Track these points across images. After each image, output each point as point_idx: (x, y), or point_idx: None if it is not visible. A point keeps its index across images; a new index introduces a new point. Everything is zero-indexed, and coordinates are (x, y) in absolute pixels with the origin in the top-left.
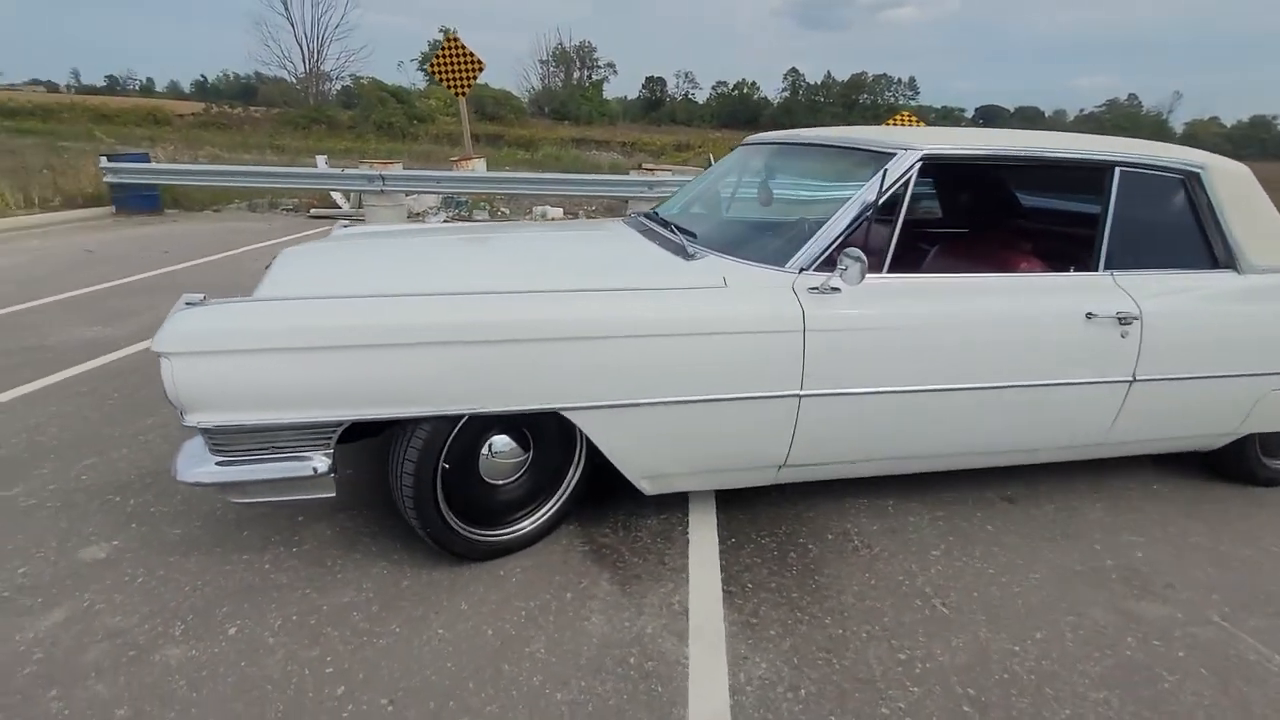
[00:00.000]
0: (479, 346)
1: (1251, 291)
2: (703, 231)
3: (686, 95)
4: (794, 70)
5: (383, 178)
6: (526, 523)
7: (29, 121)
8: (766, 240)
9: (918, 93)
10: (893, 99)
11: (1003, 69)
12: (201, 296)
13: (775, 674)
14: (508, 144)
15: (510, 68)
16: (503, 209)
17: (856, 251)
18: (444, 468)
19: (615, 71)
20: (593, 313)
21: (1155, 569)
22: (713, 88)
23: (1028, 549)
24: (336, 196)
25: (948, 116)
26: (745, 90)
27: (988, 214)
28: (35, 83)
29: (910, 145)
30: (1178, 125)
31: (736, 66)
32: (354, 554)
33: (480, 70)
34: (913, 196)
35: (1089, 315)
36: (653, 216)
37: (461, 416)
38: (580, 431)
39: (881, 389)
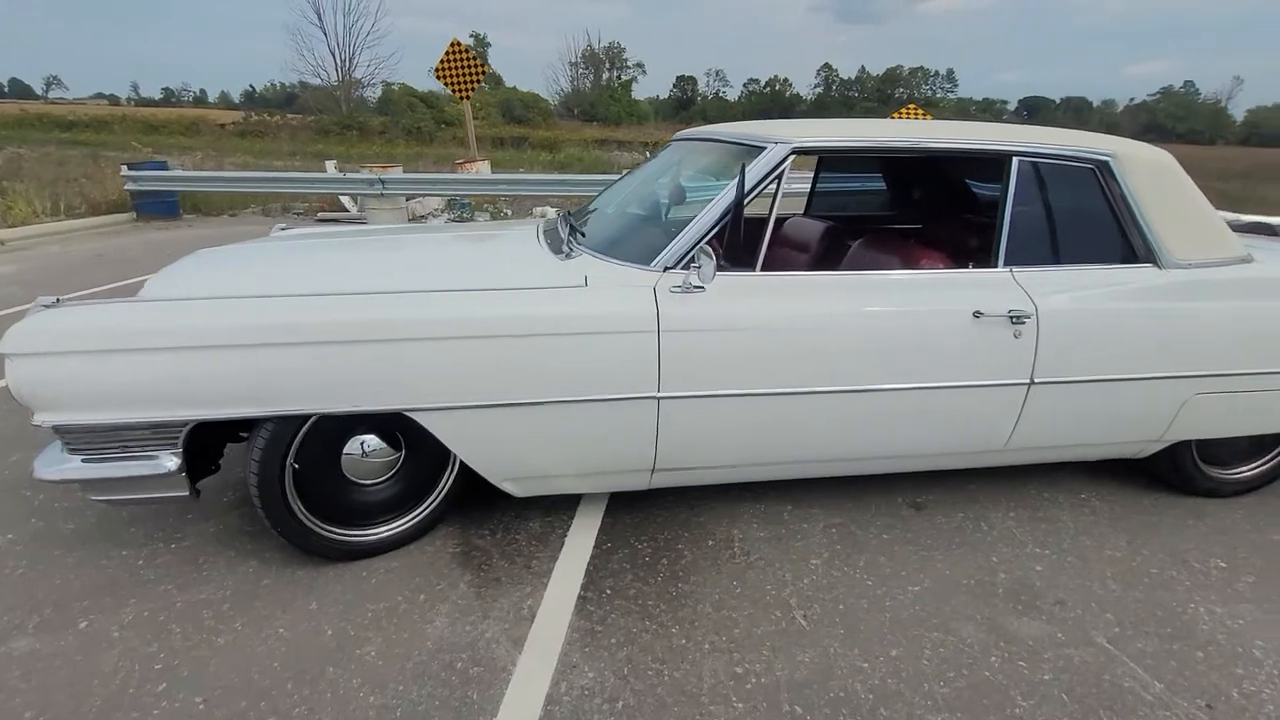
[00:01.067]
0: (316, 347)
1: (1173, 287)
2: (598, 231)
3: (717, 94)
4: (827, 66)
5: (382, 181)
6: (398, 524)
7: (85, 133)
8: (642, 239)
9: (956, 85)
10: (929, 92)
11: (1049, 59)
12: (54, 299)
13: (599, 684)
14: (531, 146)
15: (541, 71)
16: (506, 210)
17: (707, 248)
18: (293, 467)
19: (644, 72)
20: (435, 312)
21: (1051, 584)
22: (744, 85)
23: (917, 560)
24: (345, 200)
25: (988, 109)
26: (777, 87)
27: (903, 210)
28: (99, 96)
29: (780, 139)
30: (1238, 112)
31: (770, 64)
32: (228, 551)
33: (483, 74)
34: (825, 193)
35: (976, 314)
36: (566, 216)
37: (308, 416)
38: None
39: (746, 391)
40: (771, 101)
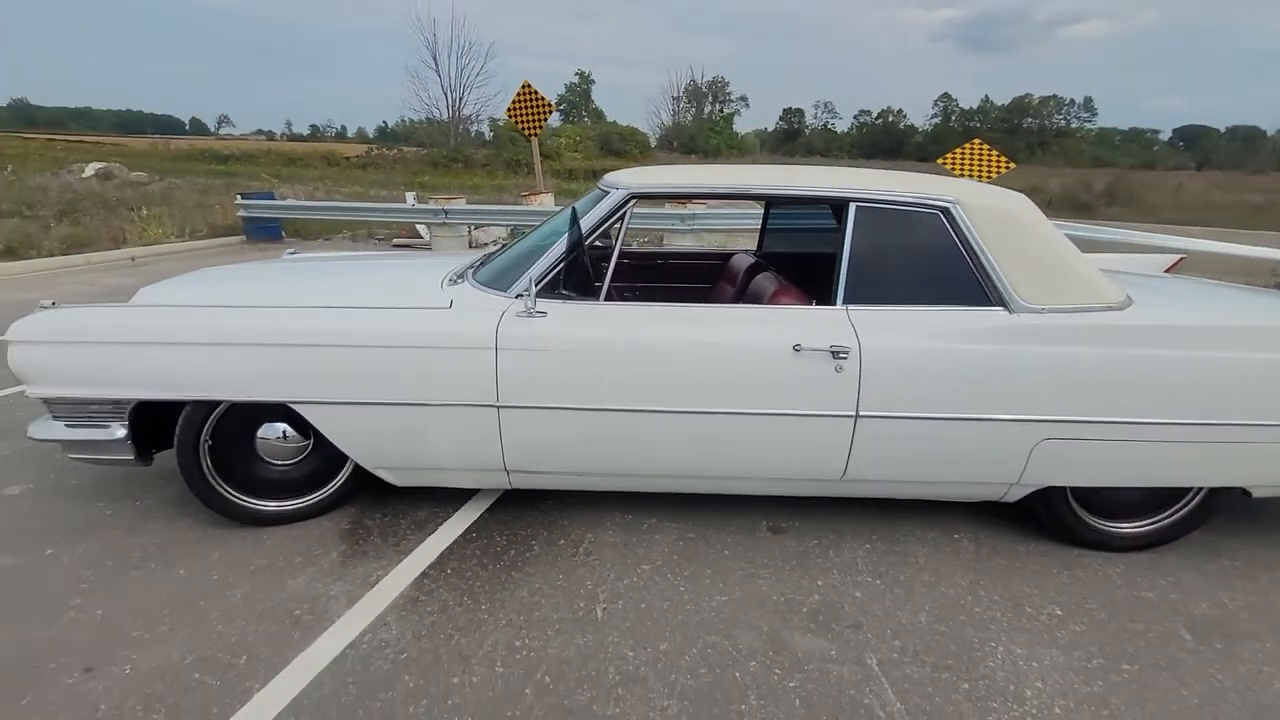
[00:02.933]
0: (224, 348)
1: (1022, 330)
2: (491, 263)
3: (825, 125)
4: (946, 95)
5: (445, 211)
6: (302, 501)
7: (236, 165)
8: (512, 271)
9: (1095, 114)
10: (1062, 121)
11: (1211, 85)
12: (52, 302)
13: (396, 638)
14: None
15: (643, 105)
16: None
17: (526, 280)
18: (207, 443)
19: (747, 105)
20: (318, 324)
21: (860, 610)
22: (854, 117)
23: (741, 575)
24: (421, 228)
25: (1136, 139)
26: (890, 119)
27: (788, 248)
28: (258, 132)
29: (620, 185)
30: None
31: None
32: (171, 510)
33: (550, 112)
34: (774, 230)
35: (796, 347)
36: (486, 253)
37: (218, 403)
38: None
39: (577, 406)
40: (883, 133)
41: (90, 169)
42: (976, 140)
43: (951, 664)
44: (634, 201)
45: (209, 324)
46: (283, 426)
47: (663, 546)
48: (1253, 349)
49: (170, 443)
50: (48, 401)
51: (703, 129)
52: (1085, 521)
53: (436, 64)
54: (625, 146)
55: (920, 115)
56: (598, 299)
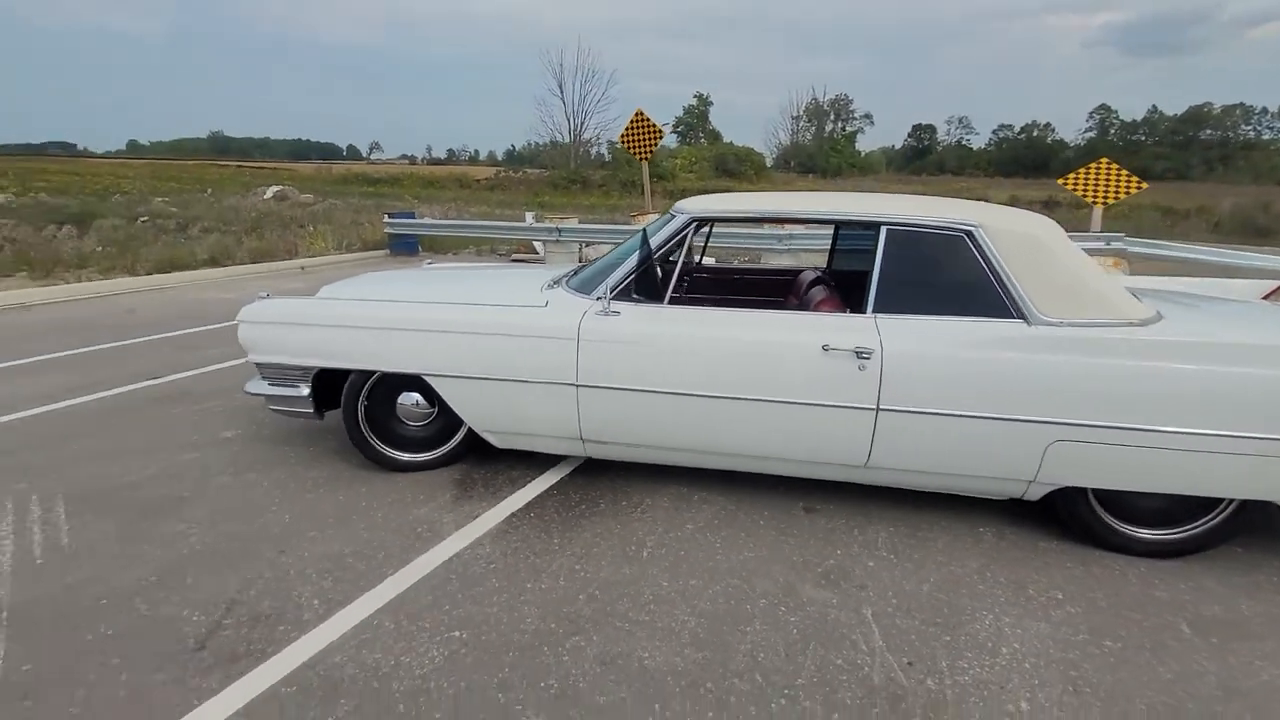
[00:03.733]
0: (379, 331)
1: (1038, 341)
2: (583, 272)
3: (959, 141)
4: (1104, 107)
5: (559, 230)
6: (429, 454)
7: (383, 188)
8: (595, 279)
9: None
10: (1251, 132)
11: None
12: (267, 294)
13: (489, 554)
14: None
15: (761, 125)
16: None
17: (604, 287)
18: (364, 404)
19: (871, 123)
20: (445, 315)
21: (869, 576)
22: (993, 132)
23: (771, 539)
24: (537, 244)
25: None
26: (1035, 133)
27: (835, 262)
28: (403, 157)
29: (684, 210)
30: None
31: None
32: (337, 456)
33: (660, 138)
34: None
35: (825, 347)
36: (579, 263)
37: (372, 373)
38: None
39: (640, 388)
40: (1026, 148)
41: (270, 191)
42: (1104, 160)
43: (940, 622)
44: (695, 224)
45: (369, 314)
46: (416, 395)
47: (707, 513)
48: (1270, 366)
49: (338, 404)
50: (259, 365)
51: (823, 148)
52: (1106, 523)
53: (562, 91)
54: (740, 167)
55: (1071, 129)
56: (662, 302)
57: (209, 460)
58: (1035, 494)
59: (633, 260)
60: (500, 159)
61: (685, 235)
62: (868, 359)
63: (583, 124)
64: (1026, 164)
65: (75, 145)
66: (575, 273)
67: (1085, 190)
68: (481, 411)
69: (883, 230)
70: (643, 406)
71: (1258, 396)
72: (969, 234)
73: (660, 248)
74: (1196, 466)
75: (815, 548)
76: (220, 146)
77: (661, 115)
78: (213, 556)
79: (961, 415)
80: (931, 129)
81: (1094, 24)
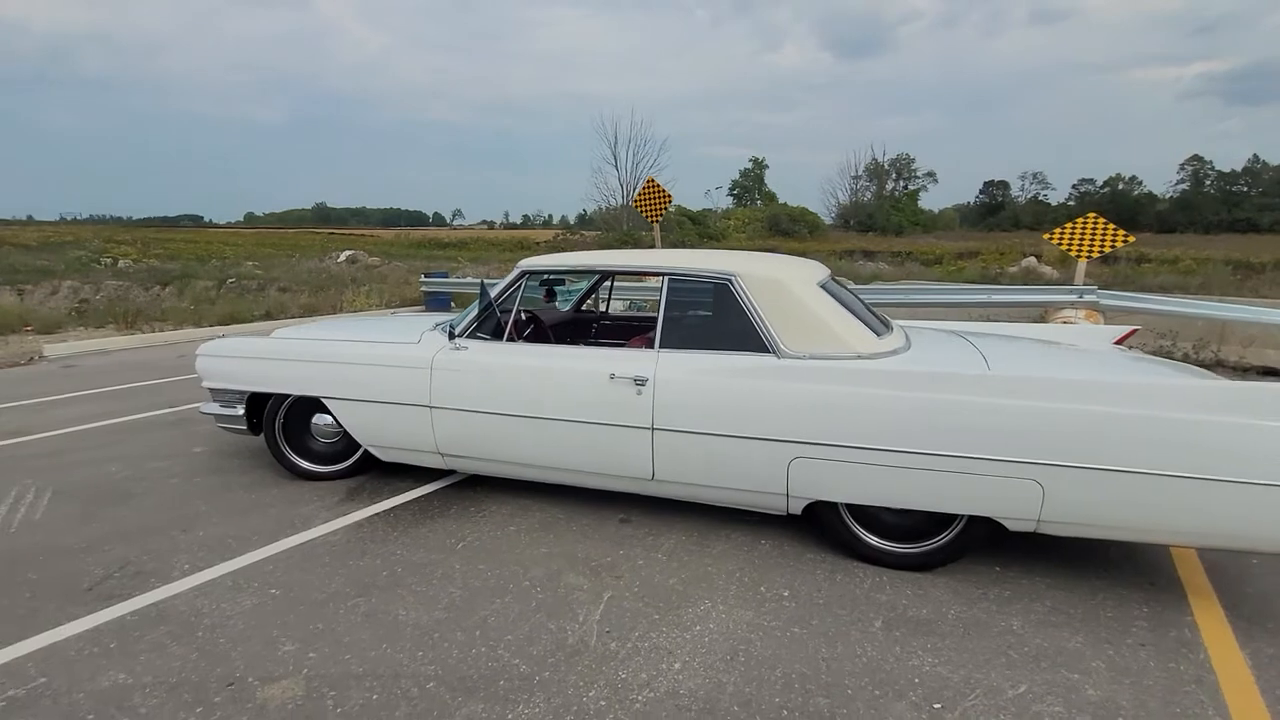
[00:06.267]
0: (286, 363)
1: (783, 370)
2: (459, 316)
3: (1034, 198)
4: (1196, 158)
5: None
6: (334, 466)
7: (452, 251)
8: (459, 321)
9: None
10: None
11: None
12: (223, 333)
13: (334, 540)
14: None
15: (819, 185)
16: None
17: (460, 328)
18: (282, 422)
19: (935, 180)
20: (335, 349)
21: (630, 569)
22: (1073, 186)
23: (570, 542)
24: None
25: None
26: (1120, 186)
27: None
28: (483, 222)
29: (519, 265)
30: None
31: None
32: (264, 465)
33: (669, 202)
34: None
35: (611, 376)
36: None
37: (286, 396)
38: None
39: (475, 409)
40: (1110, 202)
41: (343, 255)
42: (1091, 215)
43: (661, 605)
44: (526, 275)
45: (285, 349)
46: (329, 416)
47: (535, 519)
48: (980, 394)
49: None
50: (210, 390)
51: (883, 206)
52: (858, 536)
53: (615, 160)
54: (794, 227)
55: (1160, 182)
56: (501, 340)
57: (174, 468)
58: (795, 508)
59: (481, 304)
60: (572, 223)
61: (520, 284)
62: (644, 385)
63: (635, 189)
64: (1110, 217)
65: (202, 217)
66: (463, 317)
67: (1070, 245)
68: (365, 429)
69: (665, 279)
70: (478, 424)
71: (975, 422)
72: (729, 281)
73: (500, 296)
74: (917, 484)
75: (603, 548)
76: (322, 215)
77: (719, 178)
78: (136, 533)
79: (720, 435)
80: (1005, 184)
81: (1188, 75)
